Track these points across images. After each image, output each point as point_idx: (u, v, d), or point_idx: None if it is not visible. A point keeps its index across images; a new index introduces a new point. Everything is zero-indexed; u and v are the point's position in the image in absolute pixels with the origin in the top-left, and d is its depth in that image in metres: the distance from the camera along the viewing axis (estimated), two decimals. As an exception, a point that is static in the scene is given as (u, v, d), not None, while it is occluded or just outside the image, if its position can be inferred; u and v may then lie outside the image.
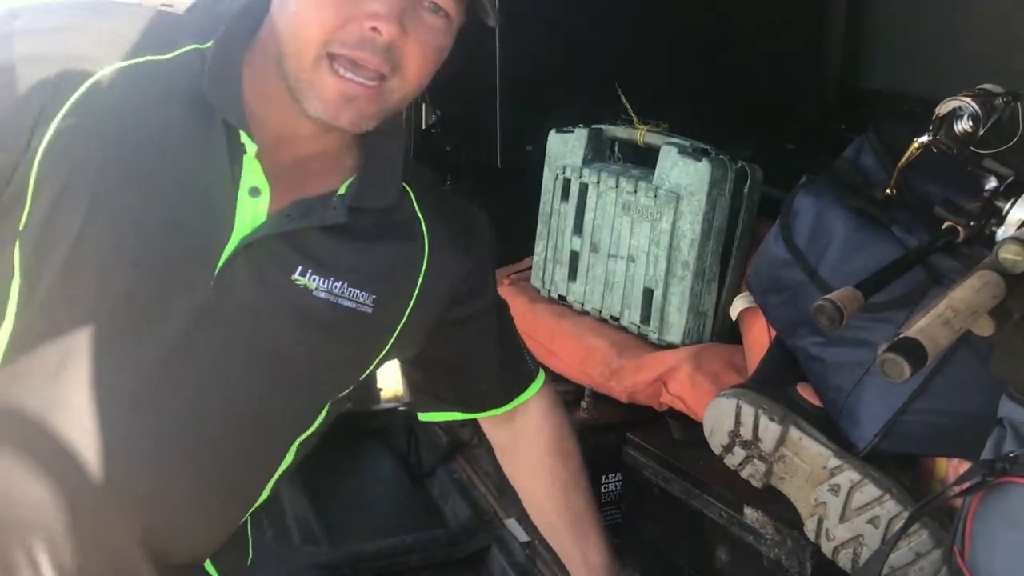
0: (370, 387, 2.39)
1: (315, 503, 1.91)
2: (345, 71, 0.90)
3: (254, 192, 0.94)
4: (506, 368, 1.25)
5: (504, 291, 2.00)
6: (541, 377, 1.30)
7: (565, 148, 1.89)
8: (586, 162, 1.84)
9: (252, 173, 0.94)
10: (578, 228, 1.84)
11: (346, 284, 0.99)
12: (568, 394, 1.69)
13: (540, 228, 1.95)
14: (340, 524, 1.85)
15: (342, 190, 1.00)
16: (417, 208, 1.08)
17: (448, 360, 1.20)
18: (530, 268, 2.01)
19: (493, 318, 1.21)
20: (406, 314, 1.07)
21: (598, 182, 1.78)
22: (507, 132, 2.16)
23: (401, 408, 2.37)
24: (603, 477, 1.60)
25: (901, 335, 0.82)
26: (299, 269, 0.97)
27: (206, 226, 0.93)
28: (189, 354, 0.92)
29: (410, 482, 2.07)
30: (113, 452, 0.90)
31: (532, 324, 1.86)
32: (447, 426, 2.19)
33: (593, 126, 1.86)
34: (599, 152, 1.86)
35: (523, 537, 1.74)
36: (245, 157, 0.93)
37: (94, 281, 0.89)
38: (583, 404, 1.63)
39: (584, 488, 1.33)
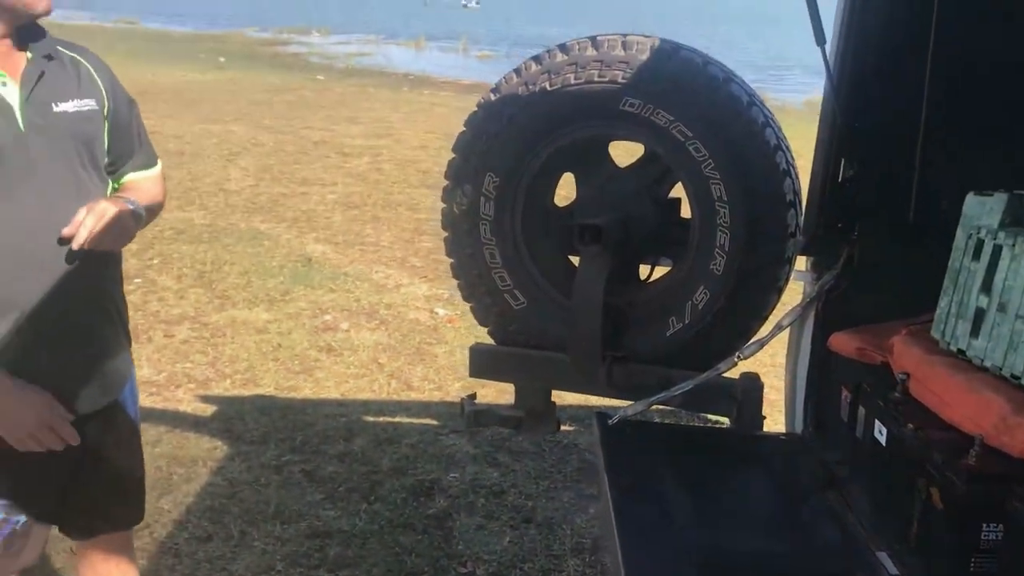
0: (754, 414, 2.57)
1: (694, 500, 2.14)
2: None
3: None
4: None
5: (901, 340, 2.10)
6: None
7: (982, 210, 1.95)
8: (1003, 226, 1.89)
9: None
10: (986, 287, 1.90)
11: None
12: (953, 442, 1.76)
13: (947, 284, 2.03)
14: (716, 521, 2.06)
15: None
16: (67, 51, 1.90)
17: None
18: (929, 321, 2.08)
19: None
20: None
21: (1013, 245, 1.83)
22: (923, 190, 2.25)
23: (782, 437, 2.54)
24: (983, 525, 1.66)
25: None
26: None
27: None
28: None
29: (784, 503, 2.22)
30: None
31: (928, 372, 1.94)
32: (822, 460, 2.32)
33: (1014, 192, 1.91)
34: (1017, 218, 1.90)
35: (893, 570, 1.84)
36: None
37: None
38: (972, 452, 1.69)
39: None
